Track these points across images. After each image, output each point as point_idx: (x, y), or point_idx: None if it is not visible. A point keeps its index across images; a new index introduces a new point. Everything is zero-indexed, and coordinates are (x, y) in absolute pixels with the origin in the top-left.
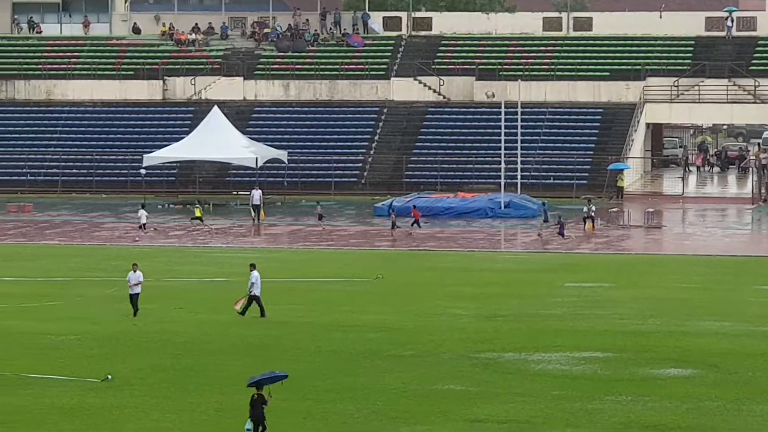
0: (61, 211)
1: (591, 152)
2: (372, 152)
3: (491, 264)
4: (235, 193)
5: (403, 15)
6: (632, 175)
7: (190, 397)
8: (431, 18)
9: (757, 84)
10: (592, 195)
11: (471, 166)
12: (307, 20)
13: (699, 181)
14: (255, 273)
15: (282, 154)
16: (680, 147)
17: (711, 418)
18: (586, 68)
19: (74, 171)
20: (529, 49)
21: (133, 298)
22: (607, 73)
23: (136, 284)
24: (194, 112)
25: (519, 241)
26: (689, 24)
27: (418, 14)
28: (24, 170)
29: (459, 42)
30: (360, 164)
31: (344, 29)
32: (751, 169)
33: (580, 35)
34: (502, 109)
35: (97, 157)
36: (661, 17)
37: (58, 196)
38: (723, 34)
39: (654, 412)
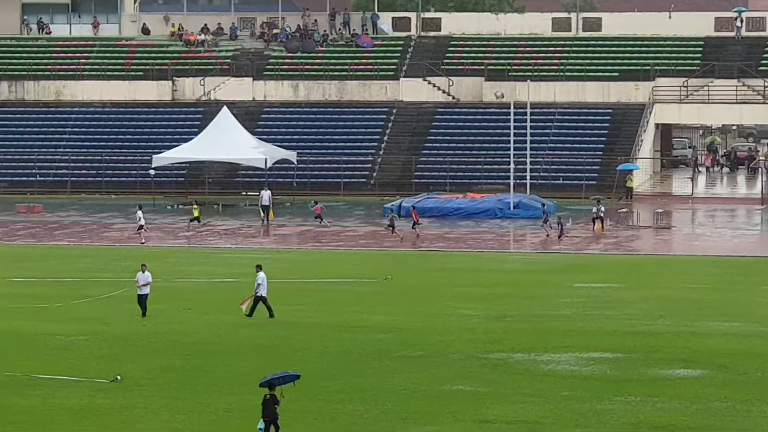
0: (71, 212)
1: (600, 153)
2: (381, 153)
3: (500, 264)
4: (244, 193)
5: (412, 15)
6: (641, 175)
7: (199, 397)
8: (440, 18)
9: (766, 84)
10: (601, 195)
11: (480, 166)
12: (316, 21)
13: (708, 181)
14: (261, 274)
15: (291, 155)
16: (689, 147)
17: (720, 418)
18: (595, 69)
19: (83, 171)
20: (539, 50)
21: (142, 299)
22: (617, 74)
23: (144, 285)
24: (203, 113)
25: (528, 242)
26: (698, 24)
27: (427, 15)
28: (33, 171)
29: (468, 42)
30: (369, 165)
31: (353, 30)
32: (760, 169)
33: (589, 35)
34: (511, 110)
35: (107, 157)
36: (670, 17)
37: (67, 196)
38: (732, 34)
39: (663, 412)
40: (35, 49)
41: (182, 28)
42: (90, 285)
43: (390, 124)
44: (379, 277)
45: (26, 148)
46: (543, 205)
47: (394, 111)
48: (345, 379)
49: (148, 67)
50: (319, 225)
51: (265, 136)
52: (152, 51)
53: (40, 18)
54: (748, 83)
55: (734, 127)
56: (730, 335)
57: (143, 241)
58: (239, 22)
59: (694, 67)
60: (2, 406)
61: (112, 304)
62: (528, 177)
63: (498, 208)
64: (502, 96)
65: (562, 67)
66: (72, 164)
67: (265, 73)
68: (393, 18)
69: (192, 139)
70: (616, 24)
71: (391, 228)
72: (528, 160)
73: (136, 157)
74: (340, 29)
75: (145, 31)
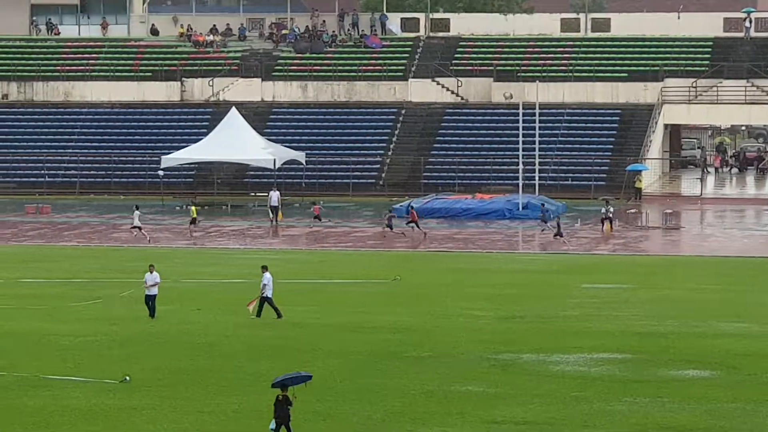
0: (79, 213)
1: (609, 153)
2: (390, 153)
3: (509, 265)
4: (252, 194)
5: (421, 16)
6: (650, 176)
7: (208, 398)
8: (449, 19)
9: None
10: (610, 196)
11: (489, 167)
12: (324, 21)
13: (717, 182)
14: (267, 275)
15: (300, 156)
16: (698, 148)
17: (730, 419)
18: (604, 69)
19: (92, 172)
20: (547, 50)
21: (150, 300)
22: (625, 74)
23: (153, 285)
24: (212, 114)
25: (537, 243)
26: (707, 25)
27: (435, 15)
28: (42, 171)
29: (477, 43)
30: (378, 165)
31: (362, 30)
32: None
33: (598, 36)
34: (520, 111)
35: (116, 158)
36: (679, 18)
37: (76, 197)
38: (741, 34)
39: (672, 413)
40: (44, 49)
41: (191, 28)
42: (99, 286)
43: (399, 125)
44: (388, 277)
45: (35, 148)
46: (542, 205)
47: (403, 112)
48: (353, 380)
49: (157, 67)
50: (316, 225)
51: (273, 137)
52: (161, 52)
53: (49, 19)
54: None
55: (743, 128)
56: (740, 336)
57: (148, 239)
58: (248, 23)
59: (703, 68)
60: (11, 407)
61: (121, 304)
62: (537, 178)
63: (507, 208)
64: (511, 96)
65: (570, 68)
66: (81, 165)
67: (274, 73)
68: (402, 19)
69: (201, 139)
70: (624, 25)
71: (389, 228)
72: (537, 160)
73: (145, 158)
74: (348, 30)
75: (154, 31)
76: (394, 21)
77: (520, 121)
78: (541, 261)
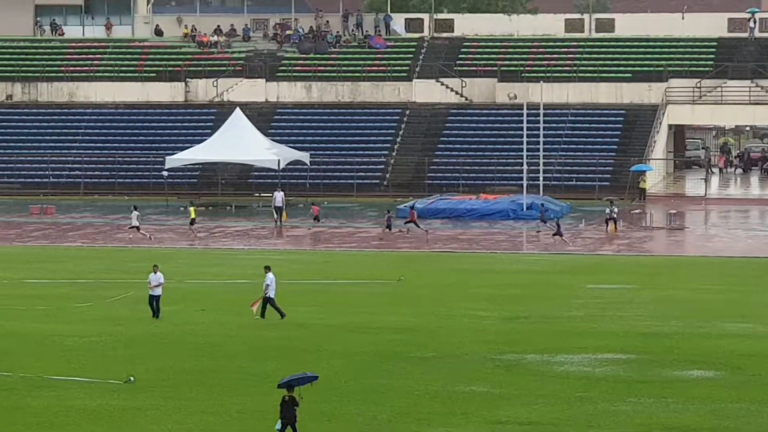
0: (84, 213)
1: (613, 154)
2: (394, 154)
3: (513, 265)
4: (257, 195)
5: (425, 16)
6: (654, 176)
7: (212, 399)
8: (453, 19)
9: None
10: (614, 196)
11: (493, 167)
12: (328, 22)
13: (721, 182)
14: (270, 275)
15: (304, 156)
16: (702, 148)
17: (734, 420)
18: (608, 70)
19: (96, 173)
20: (552, 51)
21: (154, 300)
22: (630, 75)
23: (156, 286)
24: (216, 114)
25: (541, 243)
26: (711, 25)
27: (440, 16)
28: (46, 172)
29: (481, 43)
30: (382, 166)
31: (366, 31)
32: None
33: (602, 36)
34: (524, 111)
35: (120, 159)
36: (683, 18)
37: (80, 198)
38: (745, 35)
39: (677, 413)
40: (48, 50)
41: (195, 29)
42: (103, 286)
43: (403, 126)
44: (392, 278)
45: (39, 149)
46: (542, 205)
47: (407, 112)
48: (357, 381)
49: (161, 68)
50: (316, 225)
51: (278, 138)
52: (165, 52)
53: (53, 19)
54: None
55: (747, 128)
56: (744, 336)
57: (149, 237)
58: (252, 24)
59: (707, 68)
60: (16, 408)
61: (125, 305)
62: (541, 178)
63: (511, 209)
64: (515, 97)
65: (575, 68)
66: (85, 165)
67: (278, 74)
68: (406, 19)
69: (205, 140)
70: (629, 25)
71: (388, 228)
72: (541, 161)
73: (149, 159)
74: (353, 30)
75: (158, 32)
76: (398, 21)
77: (524, 122)
78: (546, 261)
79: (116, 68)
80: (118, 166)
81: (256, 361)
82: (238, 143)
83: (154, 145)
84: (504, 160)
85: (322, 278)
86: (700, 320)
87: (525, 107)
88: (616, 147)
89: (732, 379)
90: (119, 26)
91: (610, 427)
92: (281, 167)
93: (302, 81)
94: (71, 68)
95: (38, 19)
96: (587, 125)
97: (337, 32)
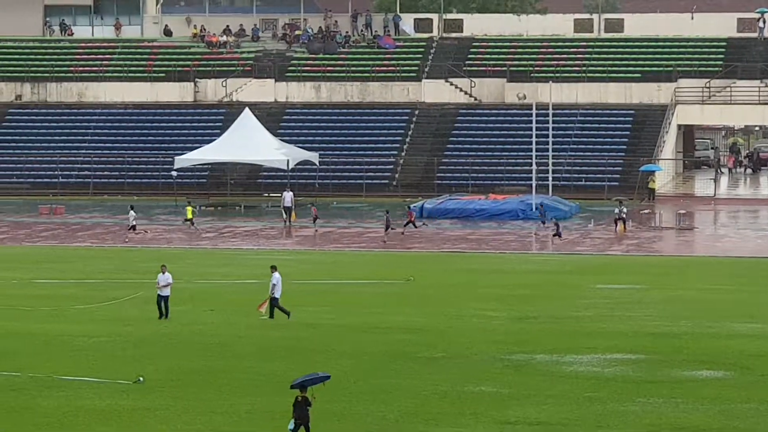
0: (93, 213)
1: (622, 154)
2: (403, 154)
3: (522, 266)
4: (266, 195)
5: (434, 17)
6: (664, 176)
7: (221, 399)
8: (462, 20)
9: None
10: (623, 197)
11: (502, 167)
12: (337, 22)
13: (731, 182)
14: (276, 275)
15: (313, 156)
16: (712, 148)
17: (743, 420)
18: (617, 70)
19: (106, 173)
20: (561, 51)
21: (162, 300)
22: (639, 75)
23: (165, 286)
24: (225, 114)
25: (550, 243)
26: (721, 25)
27: (449, 16)
28: (56, 172)
29: (490, 44)
30: (391, 166)
31: (375, 31)
32: None
33: (611, 37)
34: (534, 111)
35: (129, 159)
36: (692, 18)
37: (89, 198)
38: (755, 35)
39: (686, 414)
40: (58, 50)
41: (204, 29)
42: (112, 286)
43: (412, 126)
44: (401, 278)
45: (49, 149)
46: (541, 205)
47: (416, 112)
48: (366, 381)
49: (170, 68)
50: (315, 226)
51: (287, 138)
52: (174, 52)
53: (63, 20)
54: None
55: (757, 128)
56: (753, 337)
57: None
58: (261, 24)
59: (717, 68)
60: (25, 408)
61: (134, 305)
62: (550, 178)
63: (520, 209)
64: (524, 97)
65: (584, 68)
66: (94, 166)
67: (287, 74)
68: (415, 19)
69: (214, 140)
70: (638, 25)
71: (387, 229)
72: (550, 161)
73: (158, 159)
74: (362, 30)
75: (167, 32)
76: (407, 21)
77: (534, 122)
78: (555, 261)
79: (125, 68)
80: (128, 166)
81: (265, 361)
82: (247, 143)
83: (163, 145)
84: (513, 161)
85: (331, 278)
86: (710, 320)
87: (534, 107)
88: (625, 147)
89: (741, 379)
90: (128, 26)
91: (619, 427)
92: (290, 167)
93: (311, 81)
94: (80, 68)
95: (47, 19)
96: (596, 125)
97: (346, 32)
